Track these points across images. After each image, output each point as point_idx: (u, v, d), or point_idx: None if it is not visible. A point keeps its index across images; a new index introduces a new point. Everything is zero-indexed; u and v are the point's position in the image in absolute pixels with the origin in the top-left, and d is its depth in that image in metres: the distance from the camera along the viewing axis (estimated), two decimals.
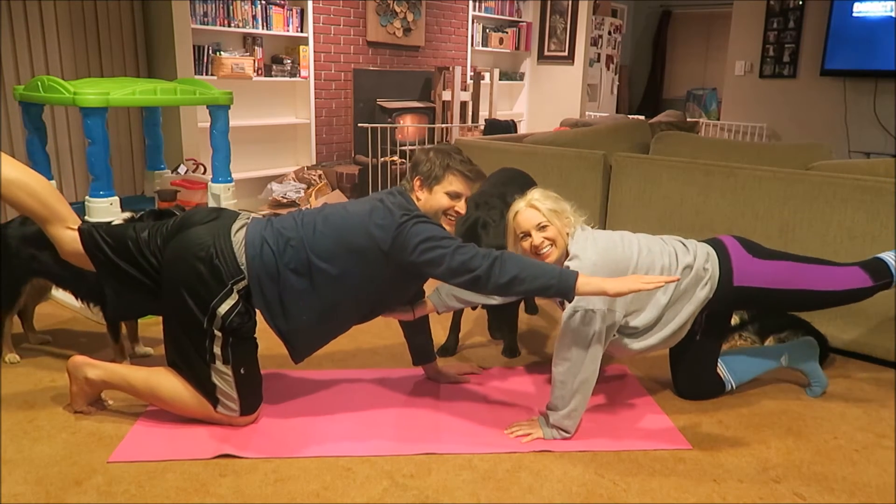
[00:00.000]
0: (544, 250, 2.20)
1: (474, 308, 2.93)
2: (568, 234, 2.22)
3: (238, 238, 2.11)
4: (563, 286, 1.95)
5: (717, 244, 2.35)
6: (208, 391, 2.11)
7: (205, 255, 2.04)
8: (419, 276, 2.21)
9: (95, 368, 2.18)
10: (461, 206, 2.22)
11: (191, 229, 2.12)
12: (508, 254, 2.02)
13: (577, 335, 2.08)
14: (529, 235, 2.21)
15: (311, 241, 2.09)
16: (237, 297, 2.05)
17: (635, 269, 2.18)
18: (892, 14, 6.02)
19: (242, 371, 2.11)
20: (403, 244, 2.04)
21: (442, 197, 2.19)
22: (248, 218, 2.21)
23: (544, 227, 2.20)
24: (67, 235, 2.17)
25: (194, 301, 2.03)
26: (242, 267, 2.06)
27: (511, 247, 2.30)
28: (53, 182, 3.42)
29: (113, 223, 2.38)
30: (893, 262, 2.33)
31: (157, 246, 2.14)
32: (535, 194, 2.26)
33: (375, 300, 2.21)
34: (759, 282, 2.28)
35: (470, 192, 2.25)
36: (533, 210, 2.21)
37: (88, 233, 2.17)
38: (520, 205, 2.26)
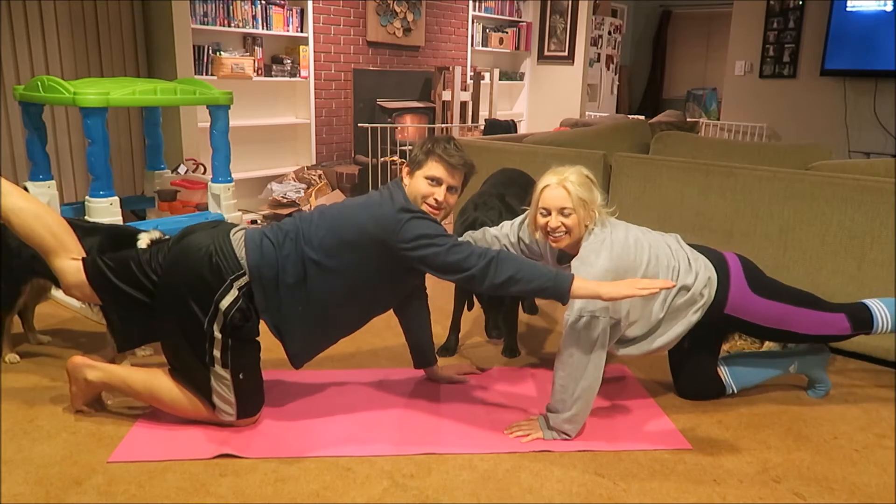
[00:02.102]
0: (557, 235, 2.18)
1: (470, 308, 2.93)
2: (587, 226, 2.18)
3: (237, 237, 2.12)
4: (558, 289, 1.95)
5: (721, 265, 2.31)
6: (206, 394, 2.11)
7: (203, 254, 2.05)
8: (414, 273, 2.19)
9: (95, 370, 2.17)
10: (440, 193, 2.15)
11: (189, 236, 2.13)
12: (505, 253, 2.02)
13: (580, 341, 2.07)
14: (549, 214, 2.18)
15: (307, 233, 2.10)
16: (237, 293, 2.05)
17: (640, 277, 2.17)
18: (887, 8, 5.99)
19: (241, 376, 2.10)
20: (398, 240, 2.03)
21: (422, 182, 2.16)
22: (246, 227, 2.23)
23: (568, 213, 2.16)
24: (71, 266, 2.17)
25: (194, 300, 2.03)
26: (242, 262, 2.07)
27: (531, 217, 2.25)
28: (53, 182, 3.42)
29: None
30: (878, 316, 2.34)
31: (157, 263, 2.13)
32: (571, 175, 2.17)
33: (371, 297, 2.20)
34: (748, 317, 2.30)
35: (453, 181, 2.17)
36: (563, 191, 2.15)
37: (92, 262, 2.17)
38: (552, 179, 2.18)
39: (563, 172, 2.19)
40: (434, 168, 2.15)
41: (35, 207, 2.15)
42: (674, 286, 2.02)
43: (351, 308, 2.20)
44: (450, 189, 2.18)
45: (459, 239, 2.13)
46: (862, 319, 2.34)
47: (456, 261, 1.99)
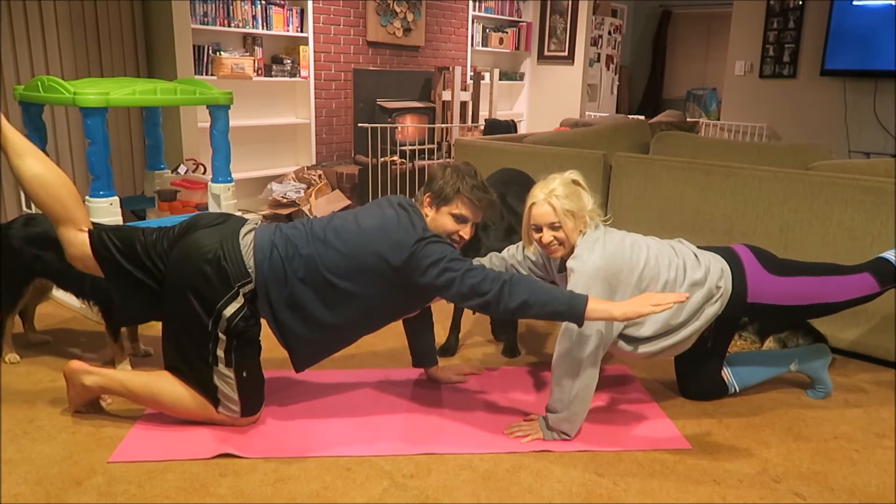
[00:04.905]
0: (552, 248, 2.20)
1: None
2: (581, 231, 2.19)
3: (246, 241, 2.10)
4: (572, 312, 1.94)
5: (731, 257, 2.30)
6: (210, 393, 2.11)
7: (212, 257, 2.04)
8: (428, 295, 2.21)
9: (92, 375, 2.17)
10: (466, 231, 2.20)
11: (197, 232, 2.12)
12: (518, 277, 2.01)
13: (576, 339, 2.07)
14: (541, 230, 2.19)
15: (322, 254, 2.08)
16: (243, 300, 2.05)
17: (639, 279, 2.15)
18: (892, 2, 5.95)
19: (244, 374, 2.11)
20: (415, 266, 2.04)
21: (447, 219, 2.18)
22: (255, 223, 2.21)
23: (557, 227, 2.17)
24: (77, 238, 2.17)
25: (199, 302, 2.03)
26: (250, 270, 2.06)
27: (524, 232, 2.27)
28: None
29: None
30: None
31: (163, 249, 2.14)
32: (557, 188, 2.17)
33: (382, 315, 2.22)
34: (773, 299, 2.26)
35: (478, 219, 2.23)
36: (548, 207, 2.16)
37: (98, 235, 2.17)
38: (538, 196, 2.18)
39: (549, 184, 2.19)
40: (462, 208, 2.18)
41: (51, 176, 2.14)
42: (687, 297, 1.99)
43: (362, 324, 2.21)
44: (473, 226, 2.23)
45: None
46: (886, 273, 2.30)
47: (471, 286, 1.99)
